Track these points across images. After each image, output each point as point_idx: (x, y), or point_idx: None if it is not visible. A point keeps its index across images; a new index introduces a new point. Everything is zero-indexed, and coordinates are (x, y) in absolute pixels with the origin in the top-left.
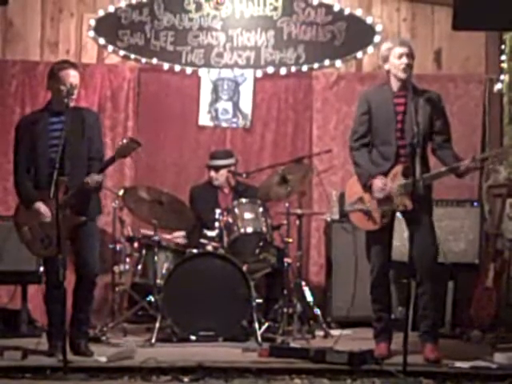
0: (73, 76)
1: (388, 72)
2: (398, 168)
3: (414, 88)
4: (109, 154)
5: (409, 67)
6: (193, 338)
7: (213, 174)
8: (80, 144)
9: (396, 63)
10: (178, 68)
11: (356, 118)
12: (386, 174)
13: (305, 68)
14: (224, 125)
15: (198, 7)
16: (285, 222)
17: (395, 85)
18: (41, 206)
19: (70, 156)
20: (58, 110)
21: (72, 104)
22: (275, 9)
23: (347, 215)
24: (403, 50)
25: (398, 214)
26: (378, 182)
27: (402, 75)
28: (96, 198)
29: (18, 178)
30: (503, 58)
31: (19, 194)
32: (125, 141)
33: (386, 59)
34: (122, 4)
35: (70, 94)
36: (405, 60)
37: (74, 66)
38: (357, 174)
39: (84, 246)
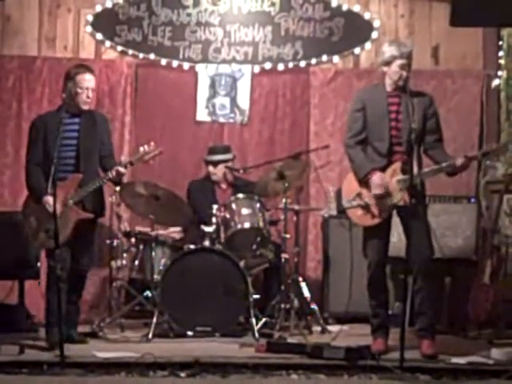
0: (88, 80)
1: (385, 73)
2: (397, 164)
3: (408, 89)
4: None
5: (407, 78)
6: (190, 333)
7: (211, 169)
8: (93, 144)
9: (397, 73)
10: (175, 63)
11: (350, 116)
12: (383, 169)
13: (302, 64)
14: (221, 120)
15: (196, 2)
16: (282, 217)
17: (389, 86)
18: (49, 200)
19: (84, 155)
20: (72, 111)
21: (87, 107)
22: (273, 4)
23: (345, 212)
24: (406, 62)
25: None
26: (375, 179)
27: (400, 83)
28: (103, 197)
29: (28, 172)
30: (501, 54)
31: (29, 187)
32: (146, 147)
33: (387, 64)
34: None
35: (87, 97)
36: (405, 73)
37: (89, 70)
38: (353, 170)
39: (82, 242)
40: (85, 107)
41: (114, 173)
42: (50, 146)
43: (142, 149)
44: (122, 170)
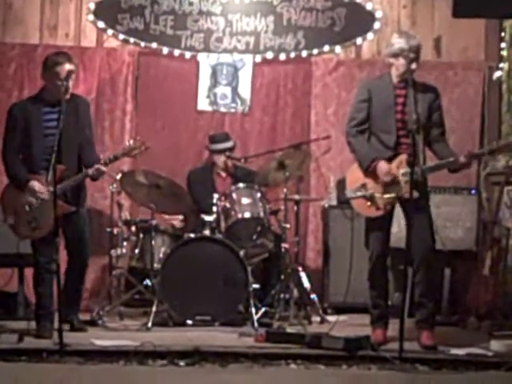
0: (68, 70)
1: (391, 64)
2: (403, 156)
3: (414, 81)
4: (106, 139)
5: (414, 71)
6: (189, 322)
7: (216, 157)
8: (74, 133)
9: (405, 65)
10: (177, 52)
11: (354, 105)
12: (389, 160)
13: (304, 54)
14: (223, 110)
15: None
16: (282, 207)
17: (396, 77)
18: (36, 184)
19: (65, 144)
20: (51, 100)
21: (68, 96)
22: None
23: (348, 202)
24: (414, 55)
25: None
26: (382, 166)
27: (407, 76)
28: (83, 186)
29: (8, 160)
30: (503, 45)
31: (11, 175)
32: (132, 142)
33: (395, 56)
34: None
35: (66, 90)
36: (414, 66)
37: (68, 59)
38: (357, 159)
39: (75, 232)
40: (66, 97)
41: (94, 171)
42: (33, 135)
43: (127, 143)
44: (102, 168)
